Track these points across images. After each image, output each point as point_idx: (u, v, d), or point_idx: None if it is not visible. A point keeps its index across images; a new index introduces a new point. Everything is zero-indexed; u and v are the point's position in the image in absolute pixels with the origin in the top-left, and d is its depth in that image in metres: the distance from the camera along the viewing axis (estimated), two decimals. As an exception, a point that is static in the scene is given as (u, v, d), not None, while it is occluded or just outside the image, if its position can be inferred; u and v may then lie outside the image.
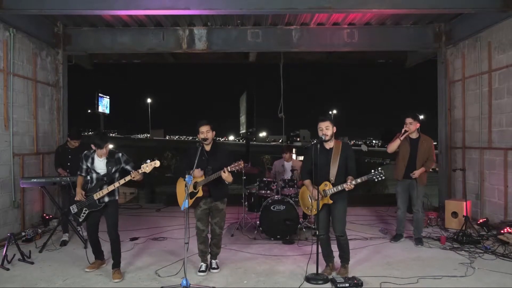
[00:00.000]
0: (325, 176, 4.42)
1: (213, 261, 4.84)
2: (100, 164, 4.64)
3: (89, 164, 4.67)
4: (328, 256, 4.69)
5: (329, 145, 4.49)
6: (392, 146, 5.77)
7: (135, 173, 4.46)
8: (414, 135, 5.73)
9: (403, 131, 5.64)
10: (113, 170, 4.65)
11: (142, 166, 4.47)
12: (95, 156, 4.64)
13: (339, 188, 4.35)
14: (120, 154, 4.68)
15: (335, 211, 4.48)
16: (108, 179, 4.63)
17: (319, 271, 4.46)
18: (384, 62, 10.68)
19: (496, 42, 6.59)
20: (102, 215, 4.70)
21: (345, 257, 4.62)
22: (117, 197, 4.75)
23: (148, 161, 4.49)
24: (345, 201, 4.49)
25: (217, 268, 4.80)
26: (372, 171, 4.34)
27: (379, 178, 4.28)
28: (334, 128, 4.46)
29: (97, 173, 4.65)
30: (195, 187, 4.57)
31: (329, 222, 4.60)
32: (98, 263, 4.87)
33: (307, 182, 4.60)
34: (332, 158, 4.42)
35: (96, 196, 4.58)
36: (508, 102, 6.33)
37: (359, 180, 4.35)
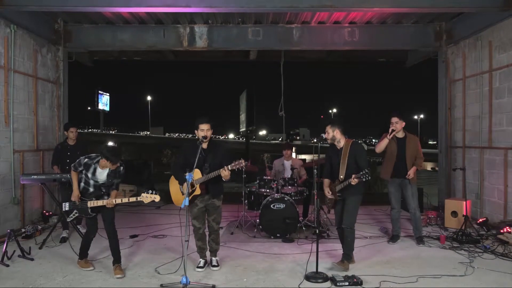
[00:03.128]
0: (338, 175, 4.70)
1: (213, 258, 4.84)
2: (102, 175, 4.59)
3: (89, 175, 4.56)
4: None
5: (339, 145, 4.77)
6: (381, 146, 5.75)
7: (121, 199, 4.56)
8: (400, 134, 5.73)
9: (390, 130, 5.63)
10: (112, 181, 4.63)
11: (142, 195, 4.48)
12: (98, 167, 4.55)
13: (345, 184, 4.61)
14: (122, 168, 4.62)
15: (345, 205, 4.72)
16: (106, 190, 4.64)
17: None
18: (385, 61, 10.67)
19: (497, 41, 6.59)
20: (99, 213, 4.70)
21: (345, 252, 4.72)
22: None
23: (150, 191, 4.48)
24: (356, 196, 4.69)
25: (218, 265, 4.78)
26: (361, 172, 4.48)
27: (366, 178, 4.44)
28: (336, 131, 4.74)
29: (96, 182, 4.62)
30: (192, 184, 4.54)
31: None
32: (87, 261, 4.82)
33: (324, 180, 4.94)
34: (342, 157, 4.66)
35: (90, 204, 4.55)
36: (508, 102, 6.33)
37: (356, 180, 4.48)
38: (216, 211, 4.74)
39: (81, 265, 4.75)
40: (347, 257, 4.71)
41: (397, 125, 5.62)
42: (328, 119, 4.77)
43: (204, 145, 4.58)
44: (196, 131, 4.57)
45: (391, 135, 5.63)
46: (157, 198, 4.45)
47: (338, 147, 4.77)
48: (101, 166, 4.52)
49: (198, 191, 4.54)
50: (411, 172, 5.64)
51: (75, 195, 4.61)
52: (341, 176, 4.60)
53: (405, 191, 5.76)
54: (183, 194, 4.60)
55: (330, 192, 4.78)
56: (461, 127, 7.67)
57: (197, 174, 4.49)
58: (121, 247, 5.56)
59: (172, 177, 4.84)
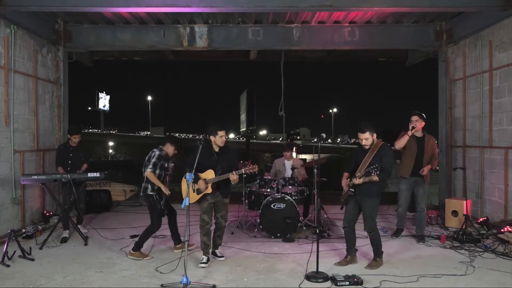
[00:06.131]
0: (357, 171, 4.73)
1: (216, 250, 5.12)
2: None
3: (166, 164, 5.32)
4: (349, 249, 4.93)
5: (367, 146, 4.76)
6: (401, 143, 5.80)
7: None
8: (419, 134, 5.84)
9: (410, 127, 5.70)
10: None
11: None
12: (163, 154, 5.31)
13: (352, 182, 4.65)
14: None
15: (363, 208, 4.75)
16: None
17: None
18: (385, 60, 10.66)
19: (497, 41, 6.58)
20: None
21: (375, 251, 4.82)
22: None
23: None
24: (373, 199, 4.70)
25: (222, 256, 5.09)
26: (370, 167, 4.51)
27: (376, 172, 4.44)
28: (375, 135, 4.72)
29: (161, 170, 5.26)
30: (198, 182, 4.81)
31: (355, 216, 4.86)
32: (181, 246, 5.46)
33: (344, 174, 4.92)
34: (367, 156, 4.68)
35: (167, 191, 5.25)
36: (508, 101, 6.32)
37: (363, 174, 4.53)
38: (224, 207, 5.04)
39: (137, 256, 5.10)
40: (378, 254, 4.82)
41: (417, 123, 5.72)
42: (362, 125, 4.71)
43: (217, 148, 4.89)
44: (212, 137, 4.85)
45: (411, 132, 5.70)
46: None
47: (366, 147, 4.74)
48: (169, 154, 5.38)
49: (209, 190, 4.83)
50: (425, 169, 5.73)
51: (166, 189, 5.24)
52: (358, 174, 4.61)
53: (417, 190, 5.87)
54: (194, 191, 4.86)
55: (347, 184, 4.78)
56: (461, 127, 7.66)
57: (210, 174, 4.83)
58: (121, 247, 5.60)
59: (184, 177, 4.93)
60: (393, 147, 5.59)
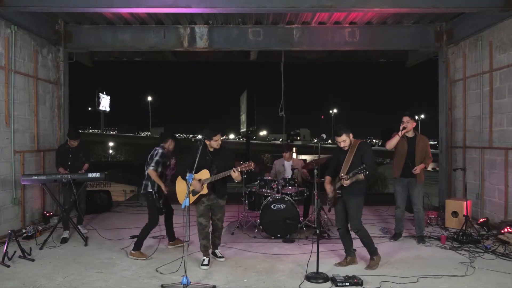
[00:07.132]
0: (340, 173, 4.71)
1: (216, 251, 5.13)
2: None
3: (168, 162, 5.41)
4: (347, 250, 4.92)
5: (345, 147, 4.77)
6: (391, 143, 5.85)
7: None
8: (411, 134, 5.85)
9: (401, 127, 5.73)
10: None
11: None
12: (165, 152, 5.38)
13: (339, 184, 4.63)
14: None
15: (348, 208, 4.75)
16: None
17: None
18: (385, 61, 10.67)
19: (497, 42, 6.59)
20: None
21: (369, 250, 4.81)
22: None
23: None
24: (357, 197, 4.70)
25: (223, 256, 5.10)
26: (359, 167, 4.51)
27: (364, 173, 4.42)
28: (351, 135, 4.72)
29: (163, 168, 5.33)
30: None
31: (346, 216, 4.83)
32: (175, 242, 5.68)
33: (326, 177, 4.92)
34: (347, 155, 4.69)
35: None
36: (509, 102, 6.32)
37: (351, 175, 4.51)
38: (221, 210, 4.99)
39: (137, 255, 5.13)
40: (372, 253, 4.80)
41: (408, 124, 5.72)
42: (335, 128, 4.75)
43: (211, 148, 4.84)
44: (207, 141, 4.79)
45: (402, 133, 5.72)
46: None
47: (345, 148, 4.75)
48: (170, 150, 5.47)
49: (205, 191, 4.76)
50: (417, 168, 5.70)
51: (166, 188, 5.30)
52: (342, 174, 4.60)
53: (412, 190, 5.84)
54: (189, 192, 4.73)
55: (332, 190, 4.78)
56: (461, 127, 7.67)
57: (205, 174, 4.73)
58: (121, 247, 5.60)
59: (179, 177, 4.99)
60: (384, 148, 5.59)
